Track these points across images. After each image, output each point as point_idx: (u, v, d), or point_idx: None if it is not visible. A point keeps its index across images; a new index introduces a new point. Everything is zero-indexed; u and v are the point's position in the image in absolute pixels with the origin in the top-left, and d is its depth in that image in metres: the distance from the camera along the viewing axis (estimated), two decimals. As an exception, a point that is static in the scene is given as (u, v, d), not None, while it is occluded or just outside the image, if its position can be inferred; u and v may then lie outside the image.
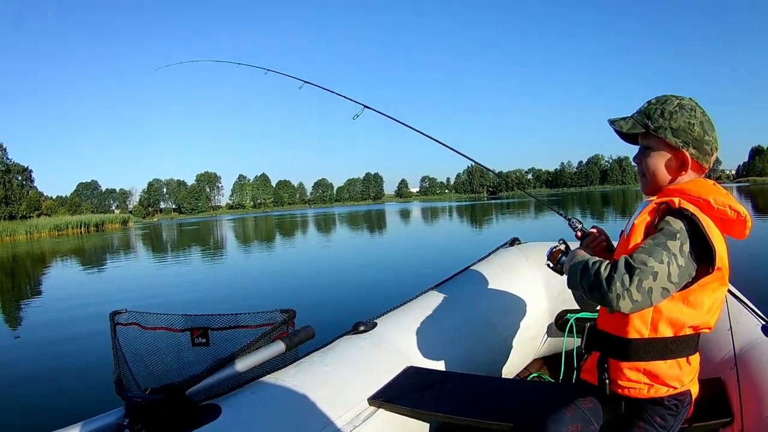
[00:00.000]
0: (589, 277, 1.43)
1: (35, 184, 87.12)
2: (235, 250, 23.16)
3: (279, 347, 1.91)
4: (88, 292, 12.60)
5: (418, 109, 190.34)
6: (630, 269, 1.36)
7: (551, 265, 1.80)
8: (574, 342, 2.85)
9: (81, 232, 61.09)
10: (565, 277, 1.64)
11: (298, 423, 1.80)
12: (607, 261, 1.45)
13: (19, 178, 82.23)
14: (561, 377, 2.87)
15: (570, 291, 1.74)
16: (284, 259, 17.42)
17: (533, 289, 3.00)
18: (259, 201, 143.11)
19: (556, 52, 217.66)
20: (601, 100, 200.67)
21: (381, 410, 2.00)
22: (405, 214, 48.72)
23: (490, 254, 3.24)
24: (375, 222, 36.70)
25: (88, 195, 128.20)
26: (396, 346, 2.38)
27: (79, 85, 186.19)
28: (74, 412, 2.24)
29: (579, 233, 1.86)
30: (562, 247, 1.78)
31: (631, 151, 1.73)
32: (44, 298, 12.76)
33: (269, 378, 1.92)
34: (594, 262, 1.46)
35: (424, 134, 2.66)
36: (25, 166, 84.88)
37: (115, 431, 1.48)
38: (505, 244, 3.36)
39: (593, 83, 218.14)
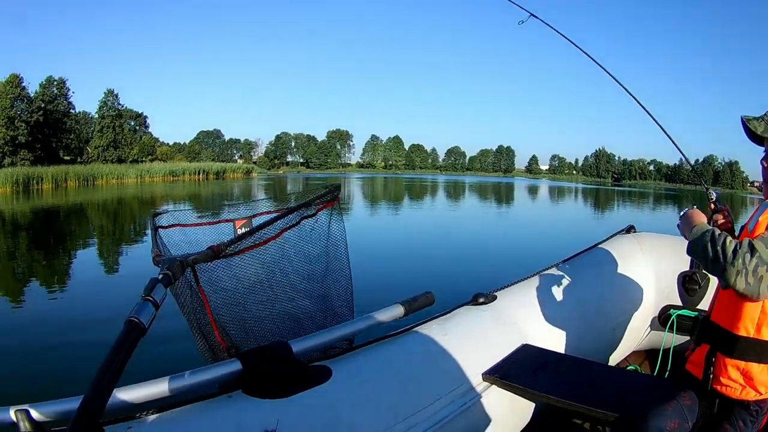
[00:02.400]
0: (714, 247, 1.62)
1: (150, 130, 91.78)
2: (359, 207, 23.98)
3: (398, 311, 2.01)
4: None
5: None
6: (752, 251, 1.56)
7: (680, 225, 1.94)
8: (672, 339, 2.95)
9: (199, 179, 64.40)
10: (673, 272, 2.01)
11: (412, 392, 1.86)
12: (732, 237, 1.64)
13: (132, 123, 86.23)
14: (656, 372, 3.03)
15: (674, 286, 2.08)
16: (409, 221, 18.32)
17: (643, 281, 3.25)
18: (390, 162, 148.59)
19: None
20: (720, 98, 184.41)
21: (494, 387, 2.11)
22: (533, 190, 51.87)
23: (607, 239, 3.49)
24: (503, 195, 39.12)
25: (209, 143, 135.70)
26: (513, 321, 2.51)
27: (205, 37, 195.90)
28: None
29: (713, 205, 2.07)
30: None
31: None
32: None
33: (385, 342, 2.00)
34: (720, 234, 1.66)
35: (590, 57, 3.01)
36: (140, 112, 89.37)
37: (229, 384, 1.58)
38: (622, 231, 3.64)
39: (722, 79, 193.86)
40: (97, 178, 55.52)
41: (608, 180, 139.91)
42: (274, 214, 2.05)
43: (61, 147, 71.23)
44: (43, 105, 66.59)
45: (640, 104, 2.82)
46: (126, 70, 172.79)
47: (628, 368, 3.24)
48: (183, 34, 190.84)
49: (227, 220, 2.15)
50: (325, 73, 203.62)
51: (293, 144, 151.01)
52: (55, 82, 70.71)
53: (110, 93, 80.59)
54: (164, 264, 1.65)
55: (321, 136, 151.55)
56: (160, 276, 1.57)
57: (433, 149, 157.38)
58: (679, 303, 2.38)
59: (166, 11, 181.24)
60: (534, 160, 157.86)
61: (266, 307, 2.10)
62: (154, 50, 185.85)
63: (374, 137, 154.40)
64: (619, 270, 3.17)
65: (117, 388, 1.32)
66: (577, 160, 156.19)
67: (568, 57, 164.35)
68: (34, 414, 1.36)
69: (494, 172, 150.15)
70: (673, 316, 2.93)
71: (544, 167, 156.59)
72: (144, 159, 79.47)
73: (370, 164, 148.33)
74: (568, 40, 3.07)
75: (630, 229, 3.61)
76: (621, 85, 2.97)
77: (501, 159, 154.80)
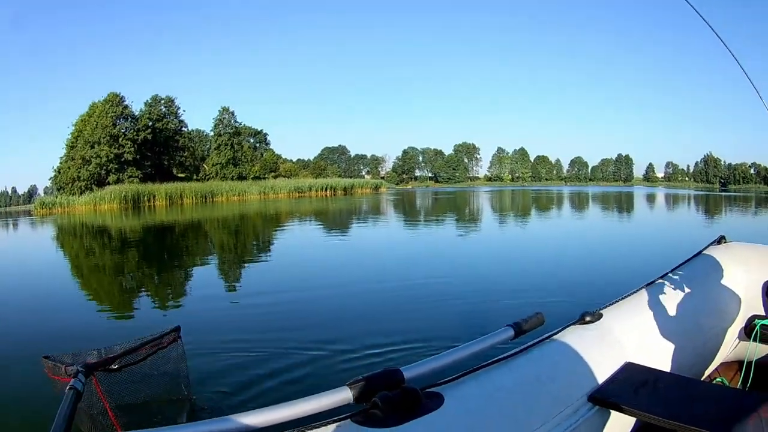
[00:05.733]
0: None
1: (271, 147, 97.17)
2: (483, 222, 26.08)
3: (508, 333, 2.18)
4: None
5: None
6: None
7: None
8: (756, 349, 3.22)
9: (326, 195, 67.72)
10: (760, 281, 2.28)
11: (521, 416, 1.99)
12: None
13: (252, 140, 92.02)
14: (740, 383, 3.30)
15: (762, 296, 2.35)
16: (528, 234, 19.87)
17: (733, 291, 3.47)
18: (517, 174, 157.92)
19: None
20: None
21: (598, 407, 2.26)
22: (649, 198, 55.56)
23: (700, 252, 3.72)
24: (621, 204, 42.25)
25: (335, 159, 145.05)
26: (618, 340, 2.67)
27: (334, 57, 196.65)
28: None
29: None
30: None
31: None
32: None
33: (495, 366, 2.11)
34: None
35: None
36: (259, 129, 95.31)
37: (337, 413, 1.68)
38: (714, 242, 3.87)
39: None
40: (216, 194, 59.27)
41: (716, 185, 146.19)
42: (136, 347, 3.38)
43: (175, 164, 75.56)
44: (150, 123, 70.74)
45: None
46: (244, 88, 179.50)
47: (716, 380, 3.42)
48: (299, 54, 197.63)
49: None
50: (448, 87, 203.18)
51: (421, 158, 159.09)
52: (162, 101, 74.57)
53: (225, 110, 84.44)
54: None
55: (448, 150, 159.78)
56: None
57: (557, 160, 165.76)
58: (764, 313, 2.70)
59: (284, 36, 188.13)
60: (651, 168, 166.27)
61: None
62: (273, 71, 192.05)
63: (500, 149, 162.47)
64: (711, 282, 3.41)
65: (226, 416, 1.53)
66: (688, 166, 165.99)
67: (679, 52, 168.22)
68: None
69: (615, 181, 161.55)
70: (757, 327, 3.18)
71: (660, 174, 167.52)
72: (266, 176, 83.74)
73: (497, 177, 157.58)
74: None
75: (721, 240, 3.87)
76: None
77: (621, 168, 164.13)
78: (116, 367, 3.18)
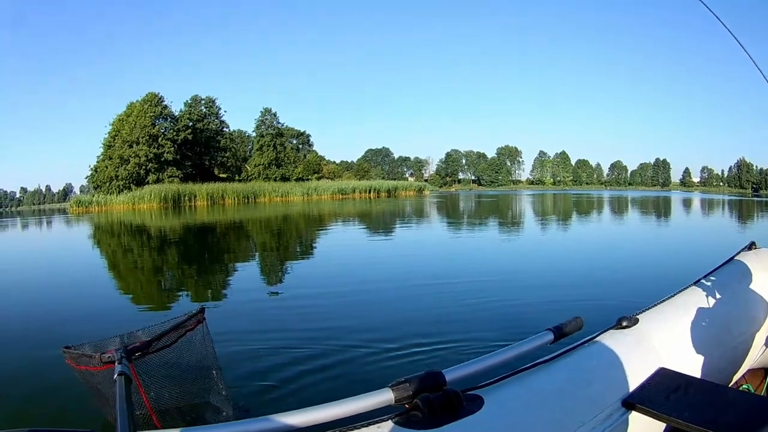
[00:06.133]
0: None
1: (314, 148, 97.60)
2: (525, 225, 26.37)
3: (548, 337, 2.26)
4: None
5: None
6: None
7: None
8: None
9: (370, 197, 67.78)
10: None
11: (557, 418, 2.05)
12: None
13: (294, 142, 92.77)
14: (764, 390, 3.46)
15: None
16: (568, 237, 20.27)
17: (761, 299, 3.47)
18: (558, 178, 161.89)
19: None
20: None
21: (632, 413, 2.31)
22: (686, 203, 56.45)
23: (732, 258, 3.71)
24: (659, 208, 42.20)
25: (378, 161, 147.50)
26: (653, 345, 2.73)
27: (378, 58, 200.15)
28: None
29: None
30: None
31: None
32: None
33: (534, 370, 2.16)
34: None
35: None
36: (302, 131, 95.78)
37: (379, 414, 1.73)
38: (744, 248, 3.85)
39: None
40: (258, 195, 59.97)
41: (748, 191, 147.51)
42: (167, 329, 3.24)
43: (216, 165, 76.68)
44: (191, 123, 71.79)
45: None
46: (287, 89, 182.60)
47: (742, 387, 3.45)
48: (342, 55, 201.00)
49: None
50: (492, 91, 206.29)
51: (464, 161, 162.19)
52: (203, 101, 75.53)
53: (267, 111, 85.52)
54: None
55: (491, 153, 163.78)
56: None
57: (598, 164, 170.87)
58: None
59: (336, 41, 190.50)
60: (687, 172, 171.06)
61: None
62: (316, 72, 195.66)
63: (542, 153, 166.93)
64: (741, 288, 3.43)
65: (267, 416, 1.58)
66: (723, 171, 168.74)
67: (715, 54, 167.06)
68: None
69: (653, 185, 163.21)
70: None
71: (696, 179, 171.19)
72: (309, 177, 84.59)
73: (539, 180, 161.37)
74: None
75: (752, 246, 3.90)
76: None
77: (659, 172, 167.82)
78: (152, 351, 3.05)
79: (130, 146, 62.55)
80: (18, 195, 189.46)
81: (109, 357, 2.71)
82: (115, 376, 2.39)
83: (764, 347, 3.43)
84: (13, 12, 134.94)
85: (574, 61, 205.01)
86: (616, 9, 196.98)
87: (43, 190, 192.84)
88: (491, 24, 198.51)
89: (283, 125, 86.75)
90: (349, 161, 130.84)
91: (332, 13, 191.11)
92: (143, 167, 62.81)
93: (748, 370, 3.53)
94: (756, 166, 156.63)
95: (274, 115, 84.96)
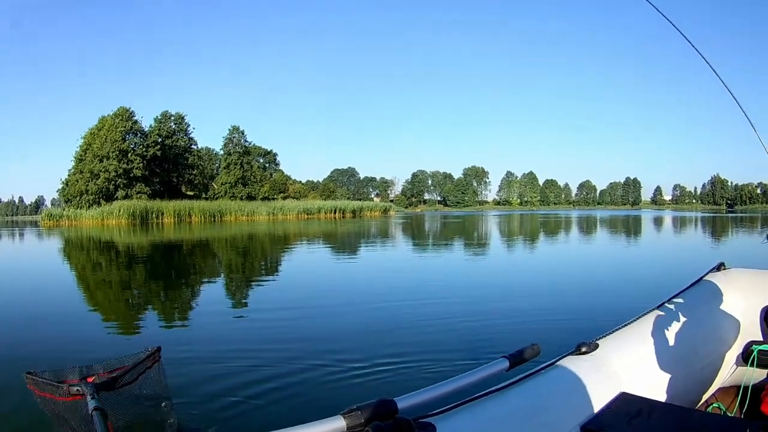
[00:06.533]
0: None
1: (281, 168, 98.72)
2: (488, 247, 26.28)
3: (503, 365, 2.25)
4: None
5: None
6: None
7: None
8: (752, 375, 3.29)
9: (335, 217, 68.32)
10: (758, 307, 2.37)
11: None
12: None
13: (261, 160, 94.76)
14: (736, 408, 3.33)
15: (759, 322, 2.42)
16: (531, 260, 20.09)
17: (731, 318, 3.58)
18: (525, 199, 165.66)
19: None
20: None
21: None
22: (657, 222, 57.67)
23: (700, 279, 3.81)
24: (628, 228, 42.86)
25: (344, 182, 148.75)
26: (614, 370, 2.74)
27: (345, 79, 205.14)
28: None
29: None
30: None
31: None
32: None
33: (489, 397, 2.15)
34: None
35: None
36: (269, 149, 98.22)
37: None
38: (713, 268, 3.94)
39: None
40: (224, 214, 60.04)
41: (722, 207, 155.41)
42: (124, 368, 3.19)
43: (184, 182, 76.72)
44: (160, 140, 71.97)
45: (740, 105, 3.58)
46: (255, 108, 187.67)
47: (713, 406, 3.48)
48: (311, 75, 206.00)
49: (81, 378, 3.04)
50: (459, 111, 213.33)
51: (430, 182, 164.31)
52: (173, 117, 75.85)
53: (235, 129, 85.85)
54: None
55: (457, 173, 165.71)
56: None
57: (566, 184, 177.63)
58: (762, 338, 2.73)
59: (293, 55, 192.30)
60: (658, 190, 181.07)
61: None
62: (280, 92, 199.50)
63: (509, 173, 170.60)
64: (709, 309, 3.53)
65: None
66: (696, 188, 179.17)
67: (687, 73, 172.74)
68: None
69: (623, 204, 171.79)
70: (755, 352, 3.25)
71: (668, 197, 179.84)
72: (275, 196, 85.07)
73: (506, 201, 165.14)
74: (663, 14, 3.79)
75: (720, 266, 3.95)
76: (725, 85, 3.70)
77: (629, 191, 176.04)
78: (117, 387, 3.21)
79: (101, 161, 63.06)
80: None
81: (78, 390, 2.82)
82: (91, 410, 2.61)
83: (735, 366, 3.48)
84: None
85: (543, 82, 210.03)
86: (584, 28, 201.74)
87: (16, 201, 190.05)
88: (459, 45, 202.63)
89: (250, 144, 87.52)
90: (315, 181, 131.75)
91: (300, 33, 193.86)
92: (113, 182, 63.29)
93: (719, 389, 3.58)
94: (731, 182, 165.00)
95: (242, 133, 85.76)
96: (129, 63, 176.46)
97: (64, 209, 61.37)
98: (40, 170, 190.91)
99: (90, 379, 3.04)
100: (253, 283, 13.83)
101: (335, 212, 70.15)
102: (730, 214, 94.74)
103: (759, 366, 3.21)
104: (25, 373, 3.17)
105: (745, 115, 3.47)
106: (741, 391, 3.26)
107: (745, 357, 3.29)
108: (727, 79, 3.58)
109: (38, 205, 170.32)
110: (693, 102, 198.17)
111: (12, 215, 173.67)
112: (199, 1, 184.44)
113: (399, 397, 1.78)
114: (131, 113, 67.53)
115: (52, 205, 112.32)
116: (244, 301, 11.44)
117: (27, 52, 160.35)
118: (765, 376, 3.28)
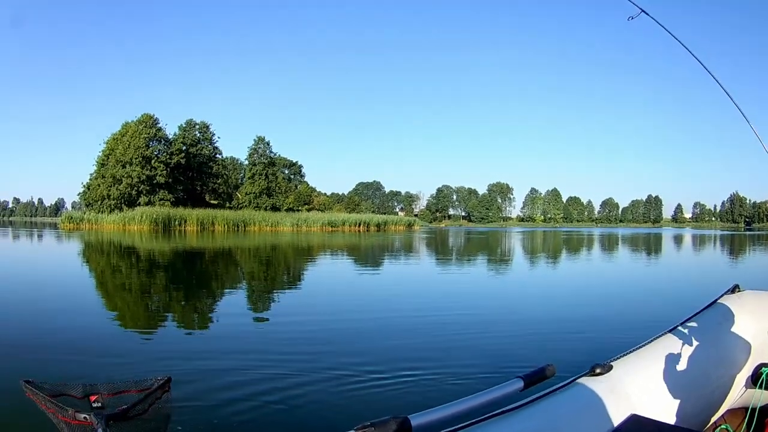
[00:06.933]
0: None
1: (306, 179, 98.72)
2: (510, 263, 26.03)
3: (517, 385, 2.21)
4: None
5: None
6: None
7: None
8: (760, 397, 3.32)
9: (359, 230, 68.18)
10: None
11: None
12: None
13: (286, 172, 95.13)
14: (743, 430, 3.35)
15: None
16: (552, 278, 19.95)
17: (743, 340, 3.58)
18: (549, 215, 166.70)
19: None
20: None
21: None
22: (677, 240, 58.47)
23: (714, 302, 3.78)
24: (650, 247, 42.60)
25: (369, 195, 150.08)
26: (627, 392, 2.77)
27: (373, 92, 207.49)
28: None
29: None
30: None
31: None
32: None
33: (502, 417, 2.15)
34: None
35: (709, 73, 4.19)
36: (295, 161, 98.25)
37: None
38: (728, 291, 3.91)
39: None
40: (248, 224, 60.13)
41: (741, 225, 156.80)
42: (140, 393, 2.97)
43: (207, 191, 76.99)
44: (184, 147, 72.22)
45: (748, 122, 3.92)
46: (279, 118, 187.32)
47: (721, 427, 3.49)
48: (338, 89, 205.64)
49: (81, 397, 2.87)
50: (485, 127, 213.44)
51: (455, 197, 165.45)
52: (197, 126, 76.06)
53: (261, 140, 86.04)
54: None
55: (482, 189, 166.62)
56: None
57: (589, 201, 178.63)
58: None
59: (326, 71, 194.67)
60: (679, 209, 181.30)
61: None
62: (307, 104, 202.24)
63: (533, 190, 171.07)
64: (722, 332, 3.49)
65: None
66: (715, 206, 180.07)
67: (704, 92, 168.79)
68: None
69: (644, 222, 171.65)
70: (764, 375, 3.26)
71: (688, 215, 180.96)
72: (300, 208, 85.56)
73: (530, 218, 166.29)
74: (681, 43, 4.14)
75: (735, 289, 3.92)
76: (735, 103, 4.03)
77: (650, 209, 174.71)
78: (126, 419, 2.90)
79: (123, 166, 63.11)
80: (11, 205, 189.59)
81: (85, 418, 2.70)
82: None
83: (744, 388, 3.48)
84: (12, 15, 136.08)
85: (568, 99, 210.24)
86: (609, 47, 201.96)
87: (36, 202, 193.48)
88: (487, 60, 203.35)
89: (275, 155, 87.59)
90: (340, 194, 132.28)
91: (328, 46, 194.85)
92: (135, 188, 63.41)
93: (728, 411, 3.58)
94: (749, 200, 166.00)
95: (268, 144, 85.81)
96: (155, 70, 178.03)
97: (84, 212, 61.99)
98: (61, 173, 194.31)
99: (93, 398, 2.90)
100: (271, 294, 13.66)
101: (359, 225, 69.99)
102: (747, 232, 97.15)
103: (766, 387, 3.27)
104: (23, 381, 2.95)
105: (756, 134, 3.66)
106: (749, 413, 3.31)
107: (755, 379, 3.35)
108: (738, 95, 3.87)
109: (58, 207, 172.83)
110: (712, 121, 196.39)
111: (31, 216, 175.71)
112: (229, 12, 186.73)
113: (412, 414, 1.79)
114: (155, 120, 67.82)
115: (72, 208, 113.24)
116: (261, 311, 11.36)
117: (52, 55, 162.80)
118: None
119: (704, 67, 3.90)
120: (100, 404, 2.76)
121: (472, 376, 6.09)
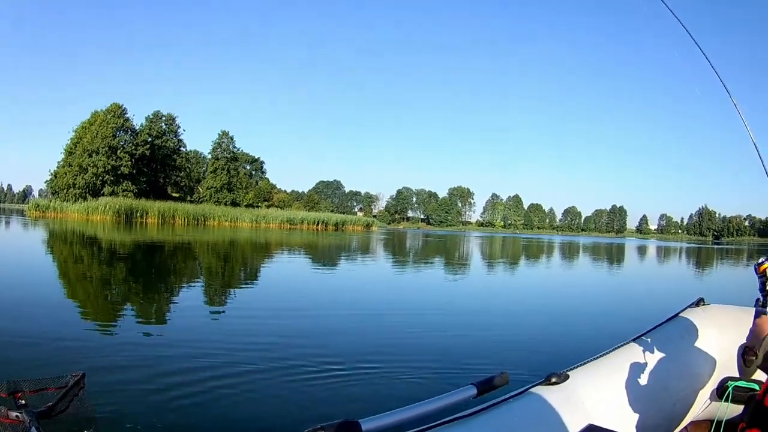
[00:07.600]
0: None
1: (267, 176, 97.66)
2: (468, 268, 26.01)
3: (470, 392, 2.18)
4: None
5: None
6: None
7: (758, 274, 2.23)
8: (726, 410, 3.28)
9: (317, 229, 68.39)
10: (735, 344, 2.13)
11: None
12: None
13: (248, 167, 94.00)
14: None
15: (737, 359, 2.13)
16: (510, 286, 19.97)
17: (708, 354, 3.57)
18: (509, 221, 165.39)
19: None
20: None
21: None
22: (641, 251, 58.45)
23: (677, 314, 3.81)
24: (611, 257, 42.97)
25: (329, 194, 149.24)
26: (583, 402, 2.74)
27: (337, 91, 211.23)
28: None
29: None
30: None
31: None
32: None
33: (454, 424, 2.11)
34: None
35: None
36: (256, 157, 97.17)
37: None
38: (692, 304, 3.95)
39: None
40: (208, 218, 60.51)
41: (709, 238, 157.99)
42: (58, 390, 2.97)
43: (170, 183, 76.73)
44: (150, 139, 71.88)
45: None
46: (243, 114, 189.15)
47: None
48: (302, 86, 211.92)
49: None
50: (446, 131, 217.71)
51: (414, 199, 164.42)
52: (164, 118, 75.81)
53: (225, 134, 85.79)
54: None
55: (442, 193, 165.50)
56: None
57: (551, 209, 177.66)
58: (737, 374, 2.61)
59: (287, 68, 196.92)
60: (644, 219, 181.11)
61: None
62: (271, 101, 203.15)
63: (494, 195, 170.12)
64: (686, 345, 3.50)
65: None
66: (682, 219, 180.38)
67: (683, 103, 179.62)
68: None
69: (607, 232, 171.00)
70: (730, 389, 3.26)
71: (653, 226, 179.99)
72: (260, 204, 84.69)
73: (489, 223, 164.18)
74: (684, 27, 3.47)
75: (699, 302, 3.93)
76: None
77: (614, 219, 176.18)
78: (53, 415, 3.02)
79: (90, 155, 63.18)
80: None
81: (17, 416, 2.74)
82: None
83: (708, 401, 3.48)
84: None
85: (532, 106, 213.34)
86: (575, 52, 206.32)
87: (5, 188, 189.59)
88: (449, 63, 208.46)
89: (238, 150, 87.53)
90: (300, 191, 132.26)
91: (295, 43, 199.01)
92: (100, 178, 63.39)
93: (691, 422, 3.57)
94: (719, 214, 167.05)
95: (231, 138, 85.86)
96: (125, 61, 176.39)
97: (50, 201, 61.55)
98: (30, 159, 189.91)
99: (18, 395, 2.92)
100: (227, 289, 13.74)
101: (318, 224, 70.28)
102: (715, 246, 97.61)
103: (734, 401, 3.23)
104: None
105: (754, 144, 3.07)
106: (714, 426, 3.29)
107: (720, 392, 3.33)
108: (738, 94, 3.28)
109: (26, 194, 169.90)
110: (683, 133, 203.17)
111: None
112: (196, 4, 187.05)
113: (364, 419, 1.77)
114: (123, 110, 67.64)
115: (39, 195, 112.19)
116: (215, 305, 11.37)
117: (24, 41, 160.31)
118: (740, 412, 3.07)
119: (714, 70, 3.35)
120: (24, 402, 2.76)
121: (425, 378, 6.18)
